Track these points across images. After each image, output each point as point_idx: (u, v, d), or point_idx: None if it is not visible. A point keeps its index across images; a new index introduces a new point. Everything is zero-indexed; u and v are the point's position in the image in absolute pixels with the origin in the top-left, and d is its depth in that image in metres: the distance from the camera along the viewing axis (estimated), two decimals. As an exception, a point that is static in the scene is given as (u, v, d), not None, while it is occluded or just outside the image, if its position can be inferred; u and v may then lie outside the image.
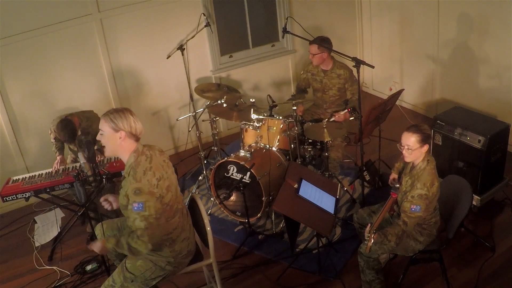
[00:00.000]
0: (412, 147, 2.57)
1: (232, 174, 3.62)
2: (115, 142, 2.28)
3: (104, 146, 2.34)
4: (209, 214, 3.91)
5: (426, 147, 2.59)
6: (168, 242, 2.41)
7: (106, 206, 2.54)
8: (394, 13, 5.26)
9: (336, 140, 3.94)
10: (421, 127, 2.60)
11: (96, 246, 2.39)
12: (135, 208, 2.19)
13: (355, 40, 5.86)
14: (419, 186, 2.54)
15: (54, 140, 3.79)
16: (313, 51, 3.96)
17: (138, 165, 2.25)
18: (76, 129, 3.52)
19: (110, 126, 2.25)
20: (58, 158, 3.68)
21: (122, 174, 2.36)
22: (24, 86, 4.17)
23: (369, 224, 2.58)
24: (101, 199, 2.55)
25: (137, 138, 2.32)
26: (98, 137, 2.33)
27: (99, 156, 3.46)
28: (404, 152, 2.62)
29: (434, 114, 3.96)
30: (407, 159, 2.66)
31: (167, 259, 2.44)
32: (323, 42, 3.91)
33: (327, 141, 3.78)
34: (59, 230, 3.93)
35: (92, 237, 2.74)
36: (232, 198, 3.71)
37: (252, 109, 3.82)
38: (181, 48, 4.29)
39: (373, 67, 3.18)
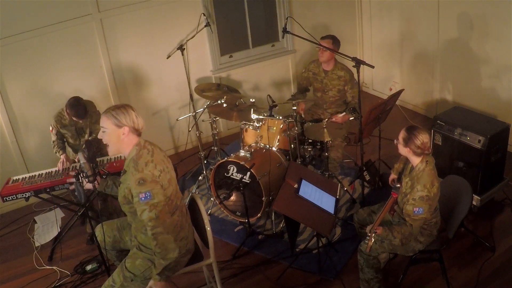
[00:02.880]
0: (398, 141, 2.64)
1: (232, 174, 3.62)
2: (118, 138, 2.28)
3: (107, 145, 2.34)
4: (209, 214, 3.91)
5: (407, 150, 2.59)
6: (172, 231, 2.40)
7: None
8: (394, 13, 5.26)
9: (336, 140, 3.94)
10: (415, 132, 2.57)
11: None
12: (143, 198, 2.18)
13: (355, 40, 5.86)
14: (419, 188, 2.54)
15: (55, 138, 3.79)
16: (327, 44, 3.95)
17: (140, 157, 2.26)
18: (86, 108, 3.58)
19: (113, 123, 2.25)
20: (62, 157, 3.67)
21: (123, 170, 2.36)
22: (24, 86, 4.17)
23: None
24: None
25: (139, 133, 2.34)
26: (100, 135, 2.32)
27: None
28: (394, 141, 2.69)
29: (434, 114, 3.97)
30: (398, 151, 2.70)
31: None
32: (337, 40, 4.01)
33: (327, 141, 3.78)
34: (59, 230, 3.93)
35: (92, 238, 2.75)
36: (232, 198, 3.71)
37: (252, 109, 3.82)
38: (181, 48, 4.29)
39: (373, 67, 3.18)
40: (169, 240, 2.25)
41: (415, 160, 2.62)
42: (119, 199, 2.37)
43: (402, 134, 2.62)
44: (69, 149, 3.91)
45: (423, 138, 2.56)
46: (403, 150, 2.65)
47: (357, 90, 3.39)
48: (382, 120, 3.76)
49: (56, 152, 3.77)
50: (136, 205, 2.23)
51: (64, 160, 3.64)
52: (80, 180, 2.53)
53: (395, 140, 2.68)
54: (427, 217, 2.58)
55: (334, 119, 3.89)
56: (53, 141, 3.82)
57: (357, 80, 3.40)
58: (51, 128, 3.79)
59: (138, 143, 2.31)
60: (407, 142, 2.58)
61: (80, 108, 3.54)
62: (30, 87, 4.20)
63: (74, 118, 3.60)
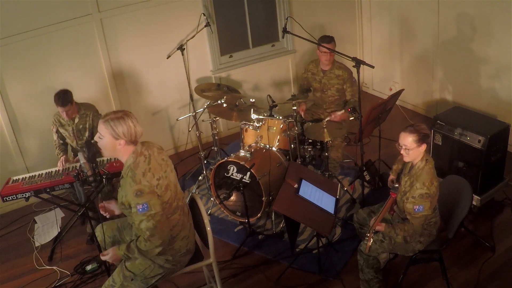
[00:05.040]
0: (410, 147, 2.57)
1: (232, 174, 3.62)
2: (115, 148, 2.28)
3: (101, 149, 2.34)
4: (209, 214, 3.91)
5: (424, 147, 2.58)
6: (168, 240, 2.41)
7: (102, 211, 2.53)
8: (394, 13, 5.26)
9: (336, 140, 3.94)
10: (418, 126, 2.60)
11: (108, 255, 2.38)
12: (140, 209, 2.19)
13: (355, 40, 5.86)
14: (418, 186, 2.54)
15: (56, 137, 3.81)
16: (332, 47, 3.94)
17: (137, 166, 2.25)
18: (71, 96, 3.59)
19: (110, 133, 2.23)
20: (61, 158, 3.67)
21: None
22: (24, 86, 4.17)
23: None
24: (101, 205, 2.53)
25: (136, 143, 2.32)
26: (96, 139, 2.32)
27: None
28: (402, 152, 2.63)
29: (434, 114, 3.97)
30: (406, 159, 2.66)
31: (166, 257, 2.44)
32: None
33: (327, 141, 3.78)
34: (59, 230, 3.93)
35: (92, 238, 2.75)
36: (232, 198, 3.71)
37: (252, 109, 3.82)
38: (181, 48, 4.29)
39: (373, 67, 3.18)
40: (157, 251, 2.30)
41: (417, 159, 2.62)
42: (118, 203, 2.37)
43: (410, 138, 2.55)
44: (70, 152, 3.92)
45: (424, 125, 2.62)
46: (416, 152, 2.58)
47: (356, 89, 3.40)
48: (382, 120, 3.76)
49: (57, 154, 3.78)
50: (134, 215, 2.24)
51: (63, 161, 3.64)
52: (80, 180, 2.54)
53: (403, 151, 2.61)
54: (428, 214, 2.58)
55: (333, 116, 3.89)
56: (55, 141, 3.84)
57: (356, 78, 3.40)
58: (52, 126, 3.82)
59: (134, 150, 2.30)
60: (420, 139, 2.55)
61: (63, 95, 3.54)
62: (30, 87, 4.20)
63: (59, 108, 3.59)
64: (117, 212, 2.54)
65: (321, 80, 4.18)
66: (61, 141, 3.85)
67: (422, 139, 2.56)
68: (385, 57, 5.59)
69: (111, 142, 2.26)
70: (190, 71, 4.81)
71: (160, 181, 2.28)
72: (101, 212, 2.52)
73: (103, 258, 2.39)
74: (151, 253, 2.31)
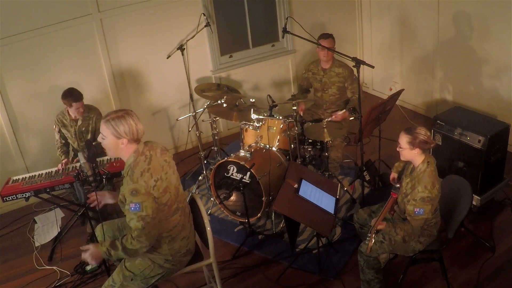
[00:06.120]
0: (402, 147, 2.61)
1: (232, 174, 3.62)
2: (117, 147, 2.29)
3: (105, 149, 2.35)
4: (209, 214, 3.91)
5: (417, 151, 2.58)
6: (168, 240, 2.41)
7: (92, 201, 2.53)
8: (394, 13, 5.26)
9: (336, 140, 3.94)
10: (418, 130, 2.59)
11: (88, 252, 2.33)
12: (132, 208, 2.21)
13: (355, 40, 5.86)
14: (420, 189, 2.54)
15: (58, 136, 3.82)
16: (328, 44, 3.96)
17: (136, 166, 2.25)
18: (80, 93, 3.67)
19: (112, 133, 2.25)
20: (63, 161, 3.67)
21: (122, 173, 2.36)
22: (24, 86, 4.17)
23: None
24: (91, 194, 2.53)
25: (138, 141, 2.33)
26: (99, 140, 2.33)
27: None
28: (397, 149, 2.67)
29: (434, 114, 3.97)
30: (401, 157, 2.69)
31: (165, 257, 2.44)
32: (334, 38, 4.06)
33: (327, 141, 3.78)
34: (59, 230, 3.93)
35: (92, 238, 2.75)
36: (232, 198, 3.71)
37: (252, 109, 3.82)
38: (181, 48, 4.29)
39: (373, 67, 3.18)
40: (142, 251, 2.30)
41: (418, 160, 2.62)
42: (119, 201, 2.37)
43: (405, 139, 2.59)
44: (71, 153, 3.93)
45: (425, 132, 2.60)
46: (409, 154, 2.60)
47: (357, 86, 3.39)
48: (382, 120, 3.76)
49: (59, 155, 3.79)
50: (126, 212, 2.26)
51: (65, 164, 3.63)
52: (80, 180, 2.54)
53: (397, 148, 2.65)
54: (428, 217, 2.58)
55: (334, 116, 3.89)
56: (57, 140, 3.84)
57: (356, 75, 3.40)
58: (54, 126, 3.83)
59: (136, 149, 2.31)
60: (414, 143, 2.56)
61: (75, 91, 3.64)
62: (30, 87, 4.20)
63: (72, 103, 3.61)
64: (110, 201, 2.55)
65: (321, 79, 4.18)
66: (63, 141, 3.86)
67: (416, 143, 2.55)
68: (385, 57, 5.59)
69: (113, 142, 2.27)
70: (190, 71, 4.81)
71: (157, 182, 2.28)
72: (91, 201, 2.52)
73: (83, 255, 2.33)
74: (136, 252, 2.30)
